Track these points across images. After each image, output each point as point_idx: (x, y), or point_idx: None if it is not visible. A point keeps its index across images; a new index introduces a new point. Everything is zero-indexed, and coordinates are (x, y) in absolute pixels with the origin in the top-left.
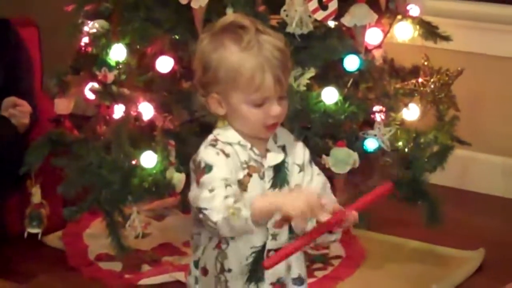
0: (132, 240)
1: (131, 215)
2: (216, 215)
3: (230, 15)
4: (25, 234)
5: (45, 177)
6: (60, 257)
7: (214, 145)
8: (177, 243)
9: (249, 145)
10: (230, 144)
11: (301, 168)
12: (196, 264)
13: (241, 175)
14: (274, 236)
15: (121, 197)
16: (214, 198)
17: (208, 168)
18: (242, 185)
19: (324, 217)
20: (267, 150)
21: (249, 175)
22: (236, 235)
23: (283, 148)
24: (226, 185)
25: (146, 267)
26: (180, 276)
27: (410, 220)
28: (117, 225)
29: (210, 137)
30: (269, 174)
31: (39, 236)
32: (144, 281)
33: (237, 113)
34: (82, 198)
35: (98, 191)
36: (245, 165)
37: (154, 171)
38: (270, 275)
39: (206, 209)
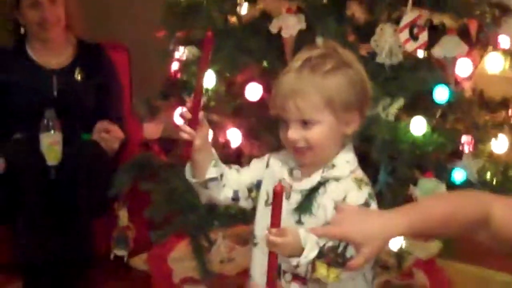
0: (217, 264)
1: (216, 240)
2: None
3: (318, 49)
4: (112, 256)
5: (132, 201)
6: (145, 280)
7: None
8: None
9: (289, 168)
10: (278, 160)
11: (335, 207)
12: None
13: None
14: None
15: (207, 221)
16: None
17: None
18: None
19: None
20: (309, 176)
21: None
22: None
23: (326, 179)
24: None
25: None
26: None
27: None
28: (203, 249)
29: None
30: (296, 198)
31: (125, 258)
32: None
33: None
34: (168, 221)
35: (184, 215)
36: (279, 180)
37: None
38: None
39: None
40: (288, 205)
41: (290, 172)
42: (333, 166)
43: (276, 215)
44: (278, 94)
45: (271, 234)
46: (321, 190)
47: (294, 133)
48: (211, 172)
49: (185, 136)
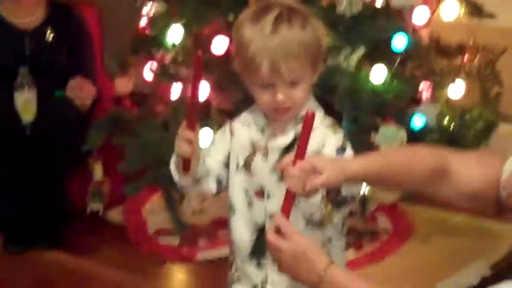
0: (189, 215)
1: (188, 192)
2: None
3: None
4: (88, 211)
5: (106, 155)
6: (121, 232)
7: (230, 123)
8: None
9: (261, 125)
10: (244, 125)
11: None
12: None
13: (246, 153)
14: (273, 217)
15: None
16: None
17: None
18: (246, 163)
19: None
20: (282, 133)
21: (253, 154)
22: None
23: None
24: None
25: (202, 242)
26: None
27: None
28: (175, 202)
29: (238, 116)
30: (274, 156)
31: (101, 212)
32: (201, 255)
33: (252, 93)
34: (142, 175)
35: (157, 168)
36: (252, 145)
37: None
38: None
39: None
40: (267, 164)
41: (262, 131)
42: (301, 119)
43: (302, 146)
44: (260, 56)
45: (294, 166)
46: (296, 142)
47: (283, 95)
48: (201, 168)
49: (186, 153)
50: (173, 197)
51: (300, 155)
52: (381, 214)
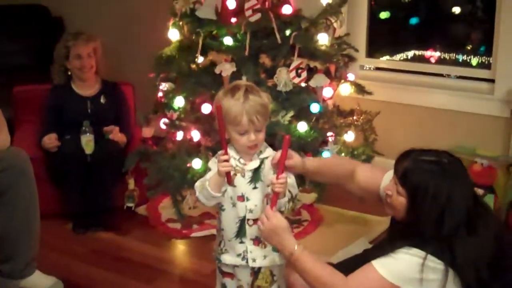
0: (187, 210)
1: (186, 195)
2: (197, 191)
3: (241, 81)
4: (125, 207)
5: (137, 173)
6: (145, 221)
7: (215, 158)
8: (213, 212)
9: (238, 157)
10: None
11: (274, 172)
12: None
13: (231, 173)
14: (251, 211)
15: (181, 185)
16: (198, 181)
17: (208, 169)
18: (231, 180)
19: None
20: (251, 160)
21: (235, 174)
22: (211, 203)
23: (263, 160)
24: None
25: (195, 226)
26: (214, 231)
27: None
28: (178, 201)
29: (218, 153)
30: (249, 174)
31: (133, 208)
32: (194, 234)
33: (232, 138)
34: (158, 186)
35: (167, 182)
36: (234, 168)
37: (200, 170)
38: (249, 234)
39: (195, 187)
40: (245, 180)
41: (238, 161)
42: (261, 152)
43: (282, 162)
44: (240, 115)
45: (277, 181)
46: (262, 166)
47: (254, 137)
48: (224, 185)
49: (227, 169)
50: (177, 199)
51: (281, 169)
52: (303, 209)
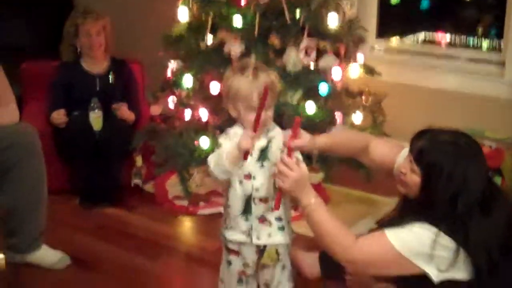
0: (194, 187)
1: (193, 173)
2: (211, 164)
3: (250, 60)
4: (132, 184)
5: (144, 151)
6: (152, 197)
7: (226, 134)
8: (220, 190)
9: None
10: (236, 133)
11: (282, 151)
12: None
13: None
14: (257, 190)
15: (188, 163)
16: (212, 154)
17: (219, 145)
18: (247, 157)
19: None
20: (259, 139)
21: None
22: (225, 177)
23: (271, 139)
24: (220, 153)
25: (202, 204)
26: (221, 209)
27: (355, 178)
28: (185, 179)
29: (227, 130)
30: (256, 153)
31: (140, 185)
32: (200, 212)
33: (241, 116)
34: (165, 163)
35: (174, 159)
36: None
37: (207, 148)
38: (255, 212)
39: (208, 162)
40: (253, 158)
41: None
42: (269, 130)
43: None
44: (250, 91)
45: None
46: (269, 145)
47: (267, 115)
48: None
49: (249, 146)
50: (184, 176)
51: (290, 152)
52: None
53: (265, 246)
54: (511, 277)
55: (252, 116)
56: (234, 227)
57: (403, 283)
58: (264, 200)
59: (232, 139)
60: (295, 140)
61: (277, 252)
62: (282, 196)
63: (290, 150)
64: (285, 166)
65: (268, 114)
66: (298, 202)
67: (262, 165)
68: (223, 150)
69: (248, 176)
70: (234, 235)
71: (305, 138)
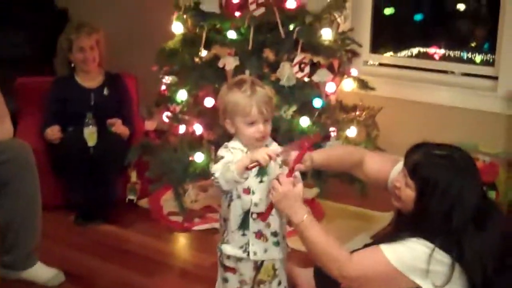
0: (188, 203)
1: (188, 189)
2: (217, 173)
3: (246, 75)
4: (127, 200)
5: (139, 166)
6: (147, 213)
7: (226, 147)
8: (215, 205)
9: (245, 150)
10: (234, 148)
11: (281, 166)
12: (220, 216)
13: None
14: (256, 205)
15: (183, 178)
16: (217, 164)
17: (220, 157)
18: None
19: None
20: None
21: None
22: (229, 187)
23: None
24: (227, 163)
25: (196, 220)
26: (216, 225)
27: (350, 193)
28: (180, 195)
29: (226, 144)
30: (256, 168)
31: (135, 200)
32: (195, 227)
33: (239, 130)
34: (160, 179)
35: (169, 175)
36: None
37: (202, 164)
38: (252, 227)
39: (213, 171)
40: (252, 173)
41: (246, 153)
42: (267, 145)
43: (293, 167)
44: (249, 105)
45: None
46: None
47: (263, 128)
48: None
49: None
50: (179, 192)
51: (291, 171)
52: (305, 204)
53: (262, 262)
54: None
55: (251, 131)
56: (231, 242)
57: None
58: (261, 215)
59: (233, 152)
60: (298, 165)
61: (273, 268)
62: (271, 209)
63: (291, 172)
64: (276, 180)
65: (267, 128)
66: (289, 218)
67: (262, 181)
68: (227, 160)
69: (247, 191)
70: (230, 250)
71: (307, 163)
